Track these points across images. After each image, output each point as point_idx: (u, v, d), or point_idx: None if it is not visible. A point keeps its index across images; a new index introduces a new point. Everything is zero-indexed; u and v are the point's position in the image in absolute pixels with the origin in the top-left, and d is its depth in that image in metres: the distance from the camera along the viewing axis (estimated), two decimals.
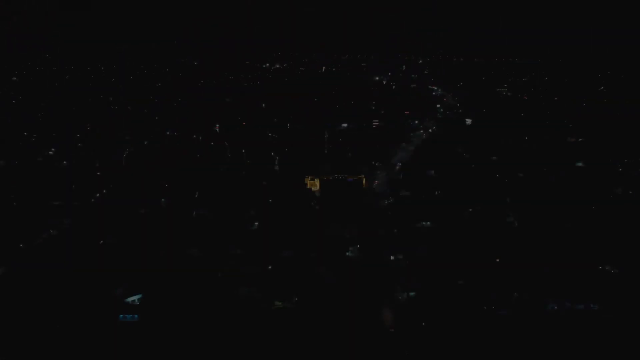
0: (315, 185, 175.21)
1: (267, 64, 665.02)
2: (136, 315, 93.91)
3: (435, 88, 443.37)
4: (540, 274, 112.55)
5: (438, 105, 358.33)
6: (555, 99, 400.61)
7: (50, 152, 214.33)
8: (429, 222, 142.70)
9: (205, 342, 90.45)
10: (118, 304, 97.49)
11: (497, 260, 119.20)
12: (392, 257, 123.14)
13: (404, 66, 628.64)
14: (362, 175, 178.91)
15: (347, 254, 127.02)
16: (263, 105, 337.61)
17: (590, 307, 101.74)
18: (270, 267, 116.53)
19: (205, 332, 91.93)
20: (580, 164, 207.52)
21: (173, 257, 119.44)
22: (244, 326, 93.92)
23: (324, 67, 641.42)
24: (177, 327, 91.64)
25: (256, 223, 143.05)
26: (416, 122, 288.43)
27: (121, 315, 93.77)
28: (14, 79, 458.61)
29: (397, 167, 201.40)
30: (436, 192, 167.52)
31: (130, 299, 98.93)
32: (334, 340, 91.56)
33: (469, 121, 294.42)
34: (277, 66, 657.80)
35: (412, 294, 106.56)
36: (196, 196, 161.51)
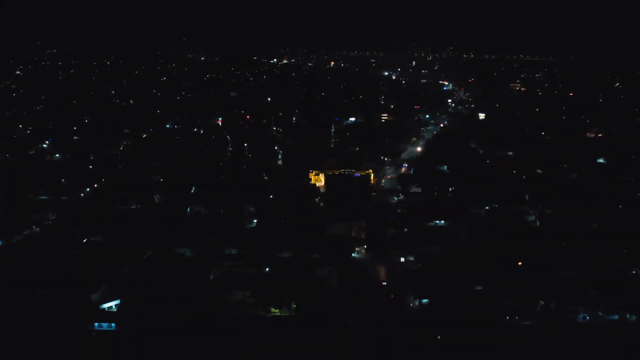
0: (320, 180, 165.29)
1: (275, 59, 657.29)
2: (113, 324, 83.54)
3: (447, 83, 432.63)
4: (567, 279, 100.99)
5: (449, 100, 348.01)
6: (570, 94, 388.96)
7: (44, 145, 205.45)
8: (442, 221, 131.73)
9: (192, 353, 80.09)
10: (93, 311, 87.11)
11: (519, 263, 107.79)
12: (402, 260, 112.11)
13: (414, 62, 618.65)
14: (370, 171, 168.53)
15: (353, 255, 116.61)
16: (269, 99, 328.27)
17: (626, 318, 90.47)
18: (267, 269, 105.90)
19: (192, 342, 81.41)
20: (601, 161, 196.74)
21: (161, 258, 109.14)
22: (236, 335, 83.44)
23: (332, 62, 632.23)
24: (160, 338, 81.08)
25: (254, 220, 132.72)
26: (427, 116, 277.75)
27: (96, 324, 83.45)
28: (18, 72, 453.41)
29: (408, 163, 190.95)
30: (449, 189, 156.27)
31: (106, 305, 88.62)
32: (334, 353, 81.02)
33: (482, 116, 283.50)
34: (285, 61, 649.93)
35: (424, 301, 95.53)
36: (192, 191, 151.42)
